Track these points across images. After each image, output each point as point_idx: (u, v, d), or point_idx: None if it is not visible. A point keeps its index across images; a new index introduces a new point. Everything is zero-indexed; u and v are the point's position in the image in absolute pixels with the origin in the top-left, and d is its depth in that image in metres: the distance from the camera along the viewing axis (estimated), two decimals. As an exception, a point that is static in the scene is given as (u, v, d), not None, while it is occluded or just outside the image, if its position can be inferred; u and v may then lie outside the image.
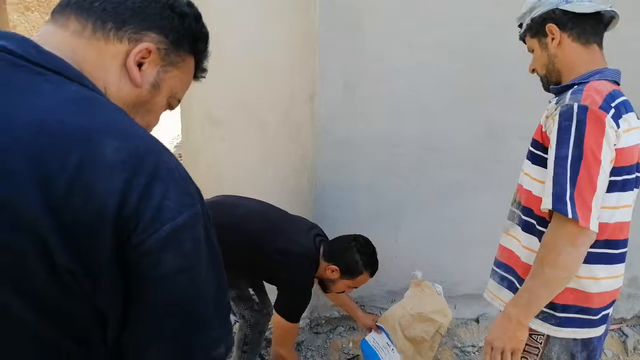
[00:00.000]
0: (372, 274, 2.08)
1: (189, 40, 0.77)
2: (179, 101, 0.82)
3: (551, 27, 1.32)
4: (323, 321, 2.62)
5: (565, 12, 1.30)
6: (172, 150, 3.32)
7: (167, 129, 4.83)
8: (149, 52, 0.72)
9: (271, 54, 2.52)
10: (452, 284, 2.63)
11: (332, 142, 2.45)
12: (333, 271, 1.98)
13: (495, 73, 2.33)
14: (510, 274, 1.42)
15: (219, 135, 2.47)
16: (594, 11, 1.29)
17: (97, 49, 0.69)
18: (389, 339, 2.24)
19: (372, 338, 2.28)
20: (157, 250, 0.60)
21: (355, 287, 2.12)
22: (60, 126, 0.58)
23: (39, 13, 9.98)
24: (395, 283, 2.56)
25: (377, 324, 2.29)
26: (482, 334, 2.57)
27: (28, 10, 9.63)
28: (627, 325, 2.80)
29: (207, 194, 2.91)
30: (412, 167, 2.49)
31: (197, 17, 0.79)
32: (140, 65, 0.72)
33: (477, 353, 2.55)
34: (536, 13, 1.34)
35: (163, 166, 0.62)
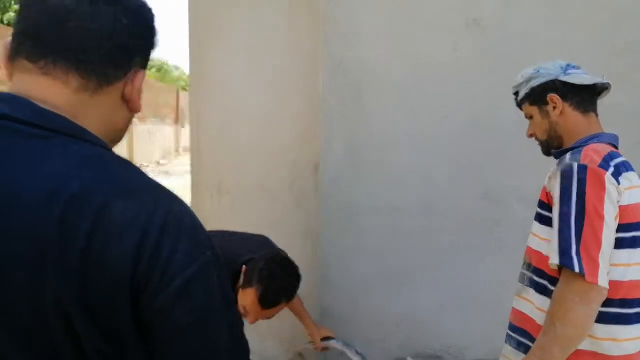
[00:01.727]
0: (263, 294, 1.71)
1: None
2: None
3: (553, 96, 1.42)
4: None
5: (565, 83, 1.41)
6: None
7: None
8: (143, 75, 0.74)
9: (277, 126, 2.65)
10: (459, 348, 2.60)
11: (336, 207, 2.50)
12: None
13: (493, 139, 2.44)
14: (526, 337, 1.41)
15: (228, 202, 2.54)
16: (591, 83, 1.40)
17: (103, 97, 0.69)
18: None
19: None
20: (167, 307, 0.60)
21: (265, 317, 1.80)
22: (70, 196, 0.58)
23: None
24: (402, 349, 2.53)
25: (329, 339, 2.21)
26: (494, 402, 2.50)
27: None
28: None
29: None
30: (414, 232, 2.53)
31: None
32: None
33: (489, 422, 2.47)
34: (535, 83, 1.44)
35: (172, 217, 0.61)
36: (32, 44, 0.64)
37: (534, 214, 1.46)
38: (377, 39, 2.39)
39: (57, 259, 0.56)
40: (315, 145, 2.48)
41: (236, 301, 1.73)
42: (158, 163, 16.47)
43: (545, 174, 1.44)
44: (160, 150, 17.68)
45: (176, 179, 12.47)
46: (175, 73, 23.79)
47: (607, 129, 1.46)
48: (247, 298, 1.71)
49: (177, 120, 20.38)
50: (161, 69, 23.14)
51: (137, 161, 15.13)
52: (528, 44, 2.37)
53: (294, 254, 2.65)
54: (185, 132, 22.23)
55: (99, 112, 0.68)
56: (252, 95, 2.73)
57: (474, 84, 2.43)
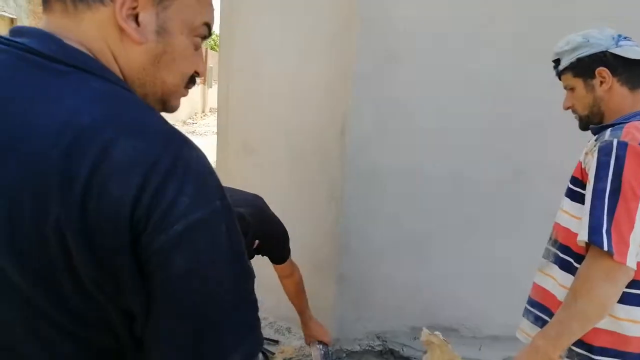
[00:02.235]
0: None
1: None
2: (207, 26, 0.71)
3: (603, 71, 1.32)
4: (344, 355, 2.59)
5: (616, 56, 1.30)
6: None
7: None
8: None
9: (308, 88, 2.61)
10: (476, 324, 2.59)
11: (360, 172, 2.47)
12: None
13: (524, 111, 2.36)
14: (545, 313, 1.39)
15: (253, 162, 2.53)
16: None
17: (88, 22, 0.64)
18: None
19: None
20: (166, 250, 0.57)
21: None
22: (79, 129, 0.57)
23: None
24: (418, 319, 2.53)
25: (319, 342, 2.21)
26: (507, 377, 2.50)
27: None
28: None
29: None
30: (438, 201, 2.50)
31: None
32: (136, 17, 0.64)
33: (501, 395, 2.48)
34: (583, 53, 1.33)
35: (181, 162, 0.58)
36: None
37: (561, 192, 1.41)
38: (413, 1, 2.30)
39: (60, 191, 0.56)
40: (344, 107, 2.44)
41: (251, 256, 1.74)
42: (184, 122, 16.57)
43: (579, 152, 1.38)
44: (187, 110, 17.76)
45: (202, 138, 12.58)
46: (205, 32, 23.61)
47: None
48: None
49: (204, 81, 20.37)
50: (191, 28, 22.97)
51: (164, 120, 15.29)
52: (565, 7, 2.26)
53: (316, 217, 2.66)
54: (213, 93, 22.21)
55: (95, 41, 0.64)
56: (283, 57, 2.68)
57: (506, 51, 2.33)
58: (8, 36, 0.64)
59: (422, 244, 2.54)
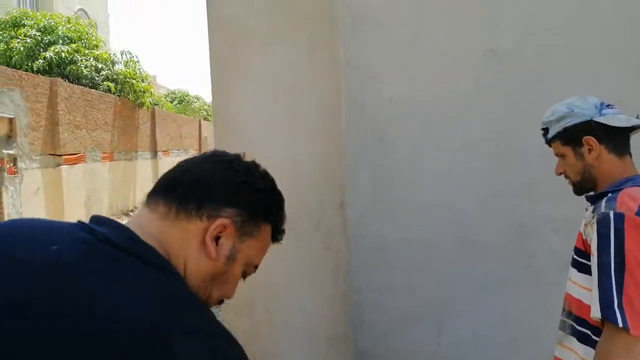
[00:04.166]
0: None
1: (264, 211, 0.84)
2: (255, 268, 0.87)
3: (590, 139, 1.36)
4: None
5: (601, 125, 1.34)
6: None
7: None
8: (225, 227, 0.78)
9: (301, 167, 2.65)
10: (501, 386, 2.51)
11: (365, 246, 2.47)
12: None
13: (520, 169, 2.39)
14: None
15: (254, 246, 2.53)
16: (629, 125, 1.34)
17: (181, 228, 0.77)
18: None
19: None
20: None
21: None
22: (136, 321, 0.63)
23: (87, 130, 10.71)
24: (442, 389, 2.46)
25: None
26: None
27: (77, 129, 10.35)
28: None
29: (242, 304, 2.93)
30: (446, 265, 2.48)
31: (272, 189, 0.87)
32: (218, 238, 0.78)
33: None
34: (569, 123, 1.38)
35: None
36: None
37: (568, 245, 1.42)
38: (397, 77, 2.38)
39: None
40: (340, 183, 2.47)
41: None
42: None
43: (577, 205, 1.39)
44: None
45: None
46: (197, 104, 24.22)
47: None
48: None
49: (200, 150, 20.72)
50: (183, 100, 23.60)
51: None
52: (548, 71, 2.33)
53: (325, 294, 2.63)
54: (209, 161, 22.51)
55: (179, 244, 0.77)
56: (274, 137, 2.74)
57: (498, 115, 2.39)
58: (89, 223, 0.77)
59: (437, 311, 2.51)
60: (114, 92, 12.50)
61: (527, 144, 2.25)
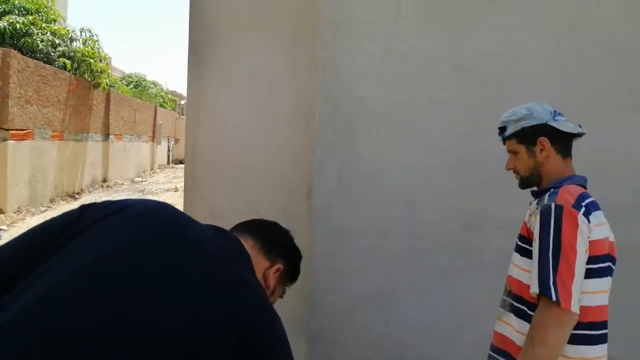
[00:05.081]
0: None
1: (294, 271, 1.42)
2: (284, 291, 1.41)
3: (544, 140, 1.57)
4: (319, 408, 2.66)
5: (554, 129, 1.56)
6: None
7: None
8: (279, 269, 1.31)
9: (274, 156, 2.79)
10: (443, 369, 2.74)
11: (327, 231, 2.64)
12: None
13: (474, 172, 2.63)
14: (506, 358, 1.54)
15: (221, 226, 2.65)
16: (577, 132, 1.57)
17: (259, 259, 1.25)
18: None
19: None
20: None
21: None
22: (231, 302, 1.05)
23: (38, 106, 10.30)
24: (388, 369, 2.66)
25: None
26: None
27: (28, 104, 9.94)
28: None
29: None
30: (400, 254, 2.68)
31: (301, 258, 1.46)
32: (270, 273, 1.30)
33: None
34: (527, 124, 1.58)
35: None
36: None
37: (511, 242, 1.62)
38: (369, 79, 2.58)
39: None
40: (309, 173, 2.63)
41: None
42: (133, 181, 16.30)
43: (521, 205, 1.61)
44: (135, 168, 17.53)
45: (152, 197, 12.38)
46: (154, 90, 23.64)
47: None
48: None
49: (153, 138, 20.28)
50: (139, 85, 22.99)
51: (111, 179, 14.96)
52: (506, 88, 2.58)
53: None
54: (161, 150, 22.05)
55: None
56: (249, 127, 2.88)
57: (457, 121, 2.63)
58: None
59: (388, 296, 2.70)
60: (70, 70, 12.10)
61: (481, 148, 2.50)
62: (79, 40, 13.06)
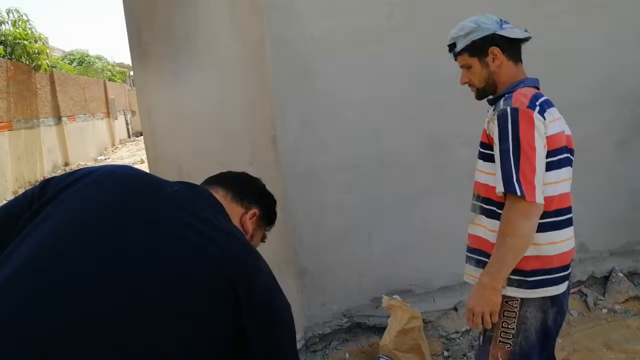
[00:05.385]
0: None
1: (271, 215, 1.42)
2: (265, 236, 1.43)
3: (495, 49, 1.61)
4: (317, 339, 2.80)
5: (502, 37, 1.60)
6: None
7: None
8: (255, 214, 1.31)
9: (230, 111, 2.78)
10: (426, 280, 2.91)
11: (297, 173, 2.69)
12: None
13: (433, 93, 2.69)
14: (483, 256, 1.65)
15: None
16: (524, 37, 1.62)
17: (233, 207, 1.26)
18: None
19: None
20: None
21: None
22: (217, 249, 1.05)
23: None
24: (376, 290, 2.81)
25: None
26: (463, 321, 2.83)
27: None
28: (585, 286, 3.20)
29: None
30: (371, 184, 2.77)
31: (275, 202, 1.45)
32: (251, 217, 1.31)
33: (461, 338, 2.81)
34: (476, 36, 1.62)
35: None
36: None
37: (476, 154, 1.70)
38: (318, 15, 2.55)
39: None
40: (271, 120, 2.64)
41: None
42: (96, 160, 15.91)
43: (481, 118, 1.68)
44: (95, 147, 17.06)
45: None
46: (99, 64, 22.61)
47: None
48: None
49: (108, 114, 19.63)
50: (83, 61, 21.94)
51: (73, 161, 14.56)
52: (457, 6, 2.59)
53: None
54: (119, 124, 21.40)
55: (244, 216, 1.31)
56: (203, 85, 2.83)
57: (410, 46, 2.65)
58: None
59: (366, 226, 2.81)
60: (4, 56, 11.46)
61: (436, 69, 2.54)
62: (7, 23, 12.29)
